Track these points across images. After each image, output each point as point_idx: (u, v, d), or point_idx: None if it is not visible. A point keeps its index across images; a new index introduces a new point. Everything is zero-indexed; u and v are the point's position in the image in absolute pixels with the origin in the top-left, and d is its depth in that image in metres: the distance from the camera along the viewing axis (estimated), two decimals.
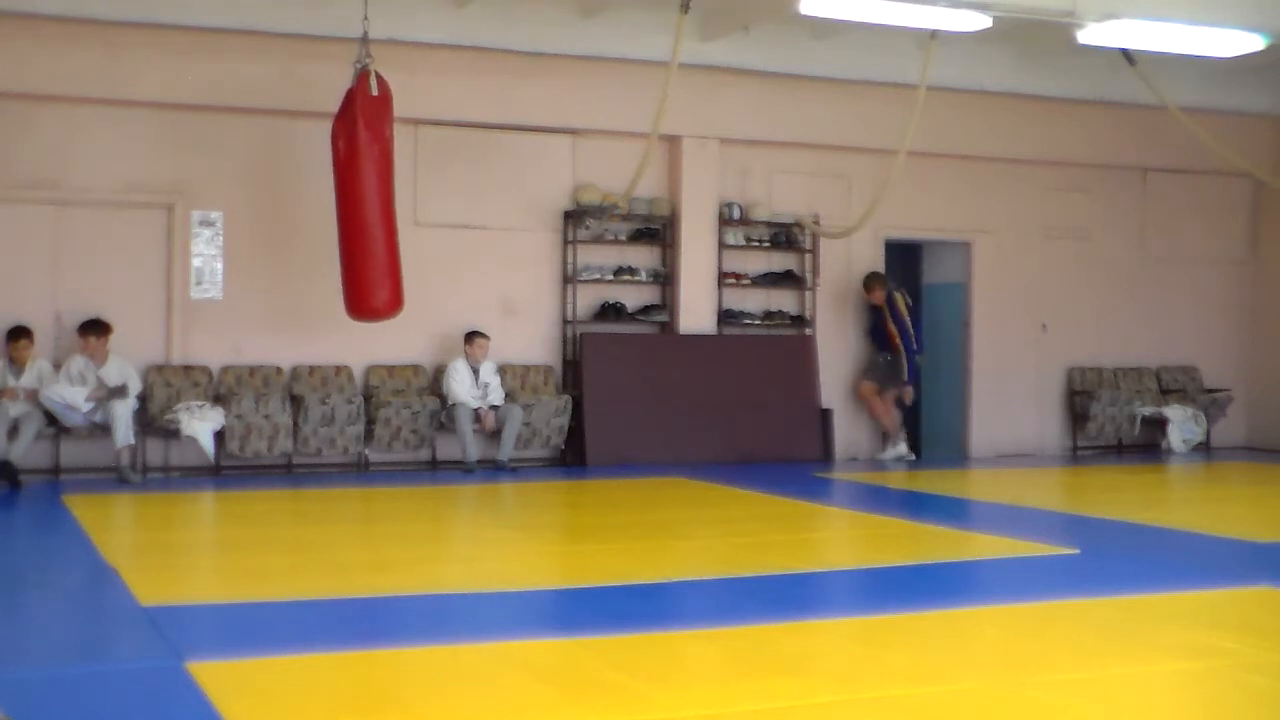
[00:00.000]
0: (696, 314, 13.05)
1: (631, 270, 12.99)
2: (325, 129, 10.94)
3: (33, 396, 10.71)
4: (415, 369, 12.29)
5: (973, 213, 14.23)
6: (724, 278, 13.26)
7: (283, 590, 6.50)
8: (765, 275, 13.49)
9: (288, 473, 11.65)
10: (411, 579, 6.91)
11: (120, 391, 10.85)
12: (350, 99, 10.64)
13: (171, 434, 11.14)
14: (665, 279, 13.10)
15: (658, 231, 13.14)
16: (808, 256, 13.56)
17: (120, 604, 6.14)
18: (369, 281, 10.73)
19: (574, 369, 12.72)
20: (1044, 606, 6.35)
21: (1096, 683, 4.93)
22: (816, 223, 13.38)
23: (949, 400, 14.39)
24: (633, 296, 13.06)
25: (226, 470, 11.40)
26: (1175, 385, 15.06)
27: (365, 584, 6.72)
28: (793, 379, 13.33)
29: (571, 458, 12.54)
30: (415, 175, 12.15)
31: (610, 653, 5.26)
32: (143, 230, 11.60)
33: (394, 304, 10.91)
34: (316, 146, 11.30)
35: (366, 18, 10.42)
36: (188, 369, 11.60)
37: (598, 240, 12.86)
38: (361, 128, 10.54)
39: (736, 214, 13.29)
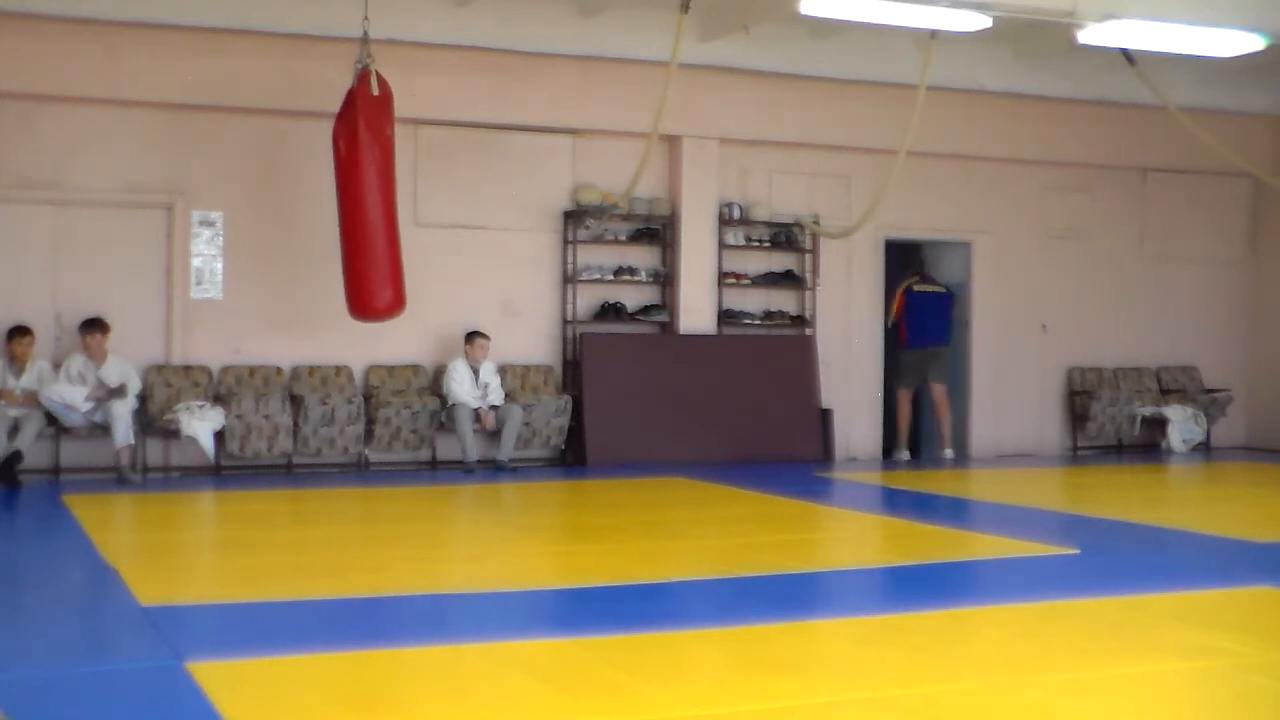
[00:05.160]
0: (696, 314, 13.05)
1: (631, 270, 12.99)
2: (326, 129, 10.94)
3: (32, 399, 10.72)
4: (415, 369, 12.29)
5: (973, 213, 14.23)
6: (724, 278, 13.25)
7: (283, 590, 6.50)
8: (765, 275, 13.49)
9: (288, 473, 11.64)
10: (411, 579, 6.91)
11: (120, 391, 10.84)
12: (351, 99, 10.64)
13: (171, 434, 11.14)
14: (665, 279, 13.09)
15: (658, 231, 13.13)
16: (808, 256, 13.56)
17: (120, 604, 6.14)
18: (372, 282, 10.75)
19: (574, 369, 12.72)
20: (1044, 606, 6.35)
21: (1097, 683, 4.94)
22: (816, 223, 13.38)
23: (949, 400, 14.37)
24: (633, 296, 13.06)
25: (226, 470, 11.40)
26: (1175, 385, 15.06)
27: (365, 584, 6.72)
28: (793, 379, 13.32)
29: (571, 458, 12.54)
30: (415, 175, 12.15)
31: (610, 653, 5.26)
32: (143, 230, 11.60)
33: (396, 304, 10.95)
34: (317, 146, 11.31)
35: (367, 18, 10.43)
36: (188, 369, 11.60)
37: (598, 240, 12.86)
38: (362, 128, 10.54)
39: (736, 214, 13.29)
